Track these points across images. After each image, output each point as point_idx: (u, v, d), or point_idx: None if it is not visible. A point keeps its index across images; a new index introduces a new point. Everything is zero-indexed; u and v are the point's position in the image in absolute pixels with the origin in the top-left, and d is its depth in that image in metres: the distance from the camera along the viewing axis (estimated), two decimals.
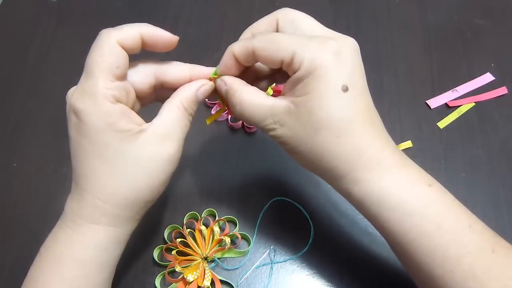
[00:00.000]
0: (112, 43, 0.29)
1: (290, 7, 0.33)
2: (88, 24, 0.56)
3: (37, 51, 0.55)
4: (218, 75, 0.33)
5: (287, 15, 0.32)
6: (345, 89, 0.29)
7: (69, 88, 0.31)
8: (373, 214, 0.31)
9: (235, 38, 0.32)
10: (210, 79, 0.34)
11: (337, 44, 0.29)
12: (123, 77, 0.31)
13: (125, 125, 0.30)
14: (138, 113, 0.34)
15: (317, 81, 0.28)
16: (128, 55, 0.31)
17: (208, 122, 0.37)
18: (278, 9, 0.33)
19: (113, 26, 0.31)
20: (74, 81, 0.31)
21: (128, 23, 0.31)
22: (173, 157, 0.32)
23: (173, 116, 0.32)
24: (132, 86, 0.32)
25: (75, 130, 0.30)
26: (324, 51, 0.29)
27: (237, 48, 0.31)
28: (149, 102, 0.35)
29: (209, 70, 0.34)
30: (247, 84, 0.33)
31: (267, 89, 0.38)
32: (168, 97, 0.33)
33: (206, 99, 0.39)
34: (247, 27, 0.34)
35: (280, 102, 0.31)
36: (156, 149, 0.31)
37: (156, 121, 0.31)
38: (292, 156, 0.32)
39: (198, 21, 0.57)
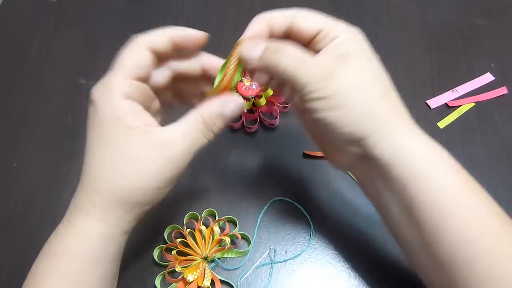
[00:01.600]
0: (137, 46, 0.32)
1: (290, 7, 0.33)
2: (88, 24, 0.56)
3: (37, 51, 0.55)
4: (240, 42, 0.31)
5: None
6: None
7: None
8: (415, 171, 0.30)
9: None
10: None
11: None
12: (143, 79, 0.32)
13: (132, 122, 0.30)
14: (157, 113, 0.35)
15: (360, 43, 0.32)
16: (160, 57, 0.33)
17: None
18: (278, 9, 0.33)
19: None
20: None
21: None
22: (173, 165, 0.31)
23: (186, 127, 0.32)
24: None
25: (90, 120, 0.32)
26: (350, 27, 0.33)
27: (275, 14, 0.32)
28: (169, 99, 0.36)
29: (220, 60, 0.33)
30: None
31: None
32: (187, 93, 0.35)
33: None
34: (247, 27, 0.34)
35: (327, 55, 0.31)
36: (155, 152, 0.31)
37: (168, 127, 0.32)
38: (336, 113, 0.30)
39: (198, 21, 0.57)
